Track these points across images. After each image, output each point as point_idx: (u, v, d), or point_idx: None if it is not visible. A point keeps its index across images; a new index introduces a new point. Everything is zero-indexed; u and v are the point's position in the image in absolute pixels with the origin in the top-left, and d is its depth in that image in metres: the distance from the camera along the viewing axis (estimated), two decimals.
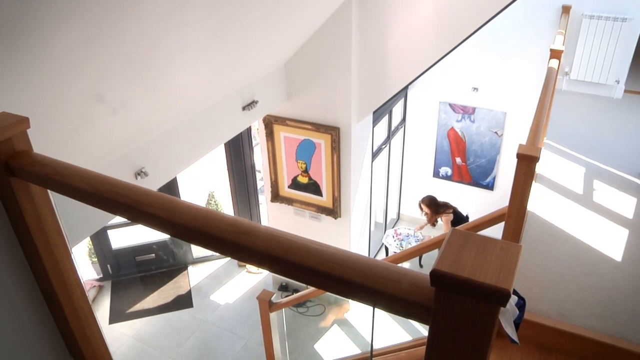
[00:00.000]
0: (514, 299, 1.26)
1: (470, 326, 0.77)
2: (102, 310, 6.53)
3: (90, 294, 6.63)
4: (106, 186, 1.20)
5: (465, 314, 0.76)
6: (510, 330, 1.10)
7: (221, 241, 1.02)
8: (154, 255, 7.16)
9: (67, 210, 2.82)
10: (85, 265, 7.13)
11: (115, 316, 6.45)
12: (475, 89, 6.64)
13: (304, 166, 5.63)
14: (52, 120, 2.54)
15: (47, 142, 2.56)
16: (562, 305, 2.78)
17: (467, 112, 6.86)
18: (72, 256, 1.62)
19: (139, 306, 6.60)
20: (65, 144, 2.76)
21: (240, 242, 1.00)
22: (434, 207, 6.61)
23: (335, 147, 5.25)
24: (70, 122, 2.67)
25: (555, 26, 5.43)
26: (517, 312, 1.27)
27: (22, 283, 1.55)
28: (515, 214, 2.52)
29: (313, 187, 5.72)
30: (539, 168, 3.93)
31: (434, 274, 0.75)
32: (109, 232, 6.79)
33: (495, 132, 6.80)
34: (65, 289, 1.58)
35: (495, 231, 2.87)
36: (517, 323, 1.24)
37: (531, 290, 2.86)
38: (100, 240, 6.82)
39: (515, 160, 2.34)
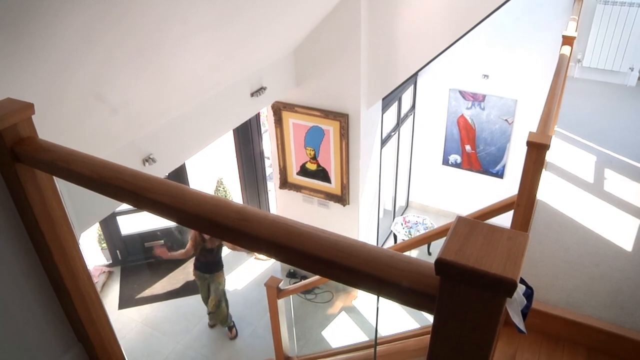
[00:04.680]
0: (521, 288, 1.24)
1: (476, 316, 0.76)
2: (111, 296, 6.58)
3: (100, 280, 6.69)
4: (110, 172, 1.19)
5: (470, 304, 0.75)
6: (517, 320, 1.08)
7: (224, 228, 1.01)
8: (162, 241, 7.20)
9: (76, 196, 2.84)
10: (94, 251, 7.19)
11: (125, 302, 6.50)
12: (486, 76, 6.58)
13: (312, 153, 5.62)
14: (59, 107, 2.54)
15: (53, 129, 2.57)
16: (571, 295, 2.76)
17: (477, 99, 6.80)
18: (79, 242, 1.62)
19: (148, 292, 6.65)
20: (72, 131, 2.76)
21: (243, 229, 0.99)
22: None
23: (344, 134, 5.22)
24: (76, 109, 2.67)
25: (568, 12, 5.36)
26: (525, 301, 1.25)
27: (30, 269, 1.55)
28: (524, 203, 2.49)
29: (322, 174, 5.71)
30: (550, 156, 3.89)
31: (439, 262, 0.74)
32: (118, 218, 6.83)
33: (506, 120, 6.74)
34: (71, 275, 1.59)
35: (505, 220, 2.85)
36: (525, 313, 1.22)
37: (540, 279, 2.84)
38: (109, 226, 6.87)
39: (526, 148, 2.31)
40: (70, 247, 1.56)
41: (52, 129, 2.56)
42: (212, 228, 1.05)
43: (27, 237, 1.51)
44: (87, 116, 2.79)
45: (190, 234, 5.45)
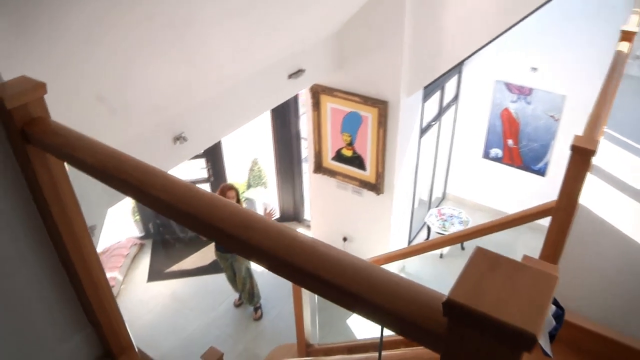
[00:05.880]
0: (551, 308, 1.12)
1: None
2: (141, 268, 6.68)
3: (132, 252, 6.78)
4: (113, 162, 1.13)
5: (481, 354, 0.65)
6: (544, 343, 0.98)
7: (220, 232, 0.94)
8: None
9: None
10: (127, 224, 7.29)
11: (154, 275, 6.58)
12: (534, 69, 6.30)
13: (349, 139, 5.51)
14: (85, 84, 2.50)
15: (84, 105, 2.54)
16: (606, 309, 2.61)
17: (523, 92, 6.54)
18: (87, 227, 1.58)
19: (177, 267, 6.71)
20: (100, 108, 2.73)
21: (245, 237, 0.91)
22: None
23: (383, 122, 5.09)
24: (104, 84, 2.63)
25: (629, 4, 5.04)
26: (554, 322, 1.13)
27: (43, 253, 1.54)
28: (564, 208, 2.35)
29: (357, 161, 5.60)
30: (596, 159, 3.67)
31: (448, 304, 0.64)
32: None
33: (552, 116, 6.46)
34: (82, 260, 1.56)
35: (544, 220, 2.72)
36: (553, 334, 1.11)
37: (574, 290, 2.69)
38: None
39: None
40: (80, 232, 1.53)
41: (82, 104, 2.53)
42: (207, 230, 0.98)
43: (40, 220, 1.48)
44: (117, 92, 2.76)
45: None
